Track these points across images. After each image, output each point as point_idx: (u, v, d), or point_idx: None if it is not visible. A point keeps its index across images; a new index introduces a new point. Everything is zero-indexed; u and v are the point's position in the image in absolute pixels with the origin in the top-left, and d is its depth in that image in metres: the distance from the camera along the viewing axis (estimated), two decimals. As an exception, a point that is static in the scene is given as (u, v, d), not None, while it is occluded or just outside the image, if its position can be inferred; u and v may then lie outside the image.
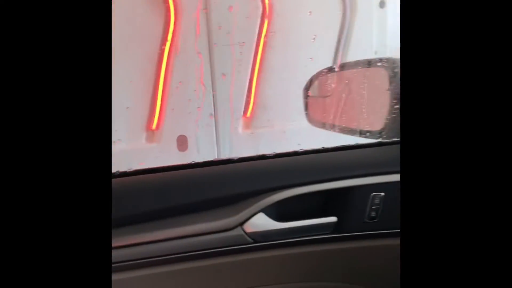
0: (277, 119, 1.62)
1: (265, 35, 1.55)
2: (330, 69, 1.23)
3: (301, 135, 1.56)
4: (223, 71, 1.57)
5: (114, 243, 0.86)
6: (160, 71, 1.52)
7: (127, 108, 1.55)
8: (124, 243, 0.87)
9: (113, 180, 0.92)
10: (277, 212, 0.93)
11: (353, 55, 1.61)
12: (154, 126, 1.54)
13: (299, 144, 1.53)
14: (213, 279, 0.93)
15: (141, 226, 0.89)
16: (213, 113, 1.58)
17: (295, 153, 1.02)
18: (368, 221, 0.95)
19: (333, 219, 0.95)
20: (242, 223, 0.91)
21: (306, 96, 1.18)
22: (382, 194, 0.94)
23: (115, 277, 0.87)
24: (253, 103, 1.59)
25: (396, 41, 1.61)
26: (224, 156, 1.60)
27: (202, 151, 1.61)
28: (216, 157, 1.56)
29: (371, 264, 0.99)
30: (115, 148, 1.54)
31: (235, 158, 0.99)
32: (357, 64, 1.20)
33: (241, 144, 1.63)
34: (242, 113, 1.62)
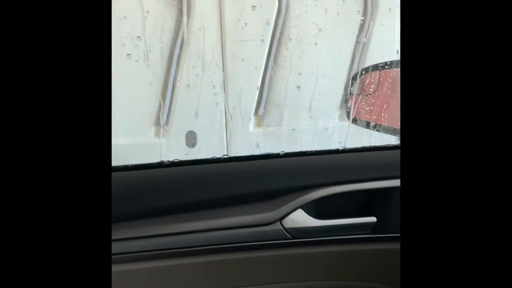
0: (290, 117, 1.59)
1: (281, 32, 1.51)
2: (374, 67, 1.21)
3: (314, 134, 1.54)
4: (236, 67, 1.55)
5: (155, 232, 0.90)
6: (171, 65, 1.52)
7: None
8: (166, 231, 0.91)
9: (154, 171, 0.96)
10: (316, 209, 0.94)
11: (373, 54, 1.56)
12: (163, 121, 1.55)
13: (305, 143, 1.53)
14: (249, 272, 0.95)
15: (182, 216, 0.92)
16: (223, 109, 1.56)
17: (336, 151, 1.02)
18: None
19: (372, 219, 0.94)
20: (281, 219, 0.92)
21: (349, 94, 1.17)
22: None
23: (159, 264, 0.91)
24: (266, 101, 1.57)
25: None
26: (234, 153, 1.59)
27: (211, 148, 1.59)
28: (226, 154, 1.55)
29: None
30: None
31: (281, 153, 1.00)
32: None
33: (252, 142, 1.61)
34: (253, 110, 1.60)
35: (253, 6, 1.45)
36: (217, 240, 0.91)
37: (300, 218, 0.92)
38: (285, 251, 0.94)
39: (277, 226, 0.92)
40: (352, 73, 1.47)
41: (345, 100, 1.50)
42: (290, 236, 0.92)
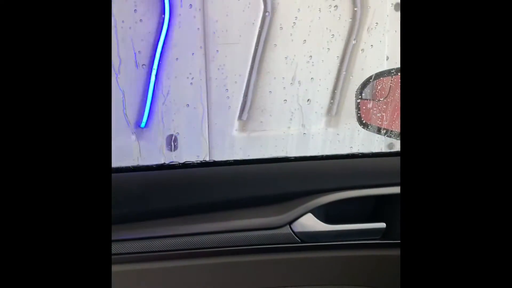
0: (275, 123, 1.56)
1: (266, 35, 1.48)
2: (386, 72, 1.21)
3: (301, 140, 1.52)
4: (219, 70, 1.52)
5: (165, 233, 0.91)
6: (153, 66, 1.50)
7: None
8: (175, 232, 0.91)
9: (165, 172, 0.97)
10: (326, 214, 0.94)
11: (361, 59, 1.54)
12: (143, 124, 1.52)
13: (283, 151, 1.51)
14: (257, 275, 0.95)
15: (192, 217, 0.93)
16: (206, 113, 1.54)
17: (347, 156, 1.02)
18: None
19: (382, 225, 0.94)
20: (290, 222, 0.92)
21: (360, 99, 1.17)
22: None
23: (168, 264, 0.92)
24: (250, 106, 1.54)
25: None
26: (217, 158, 1.57)
27: (193, 151, 1.57)
28: (208, 158, 1.53)
29: None
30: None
31: (292, 157, 1.00)
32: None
33: (235, 146, 1.58)
34: (237, 115, 1.57)
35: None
36: (226, 242, 0.92)
37: (310, 222, 0.92)
38: (294, 255, 0.94)
39: (286, 229, 0.92)
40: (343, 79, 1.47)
41: (330, 107, 1.49)
42: (299, 240, 0.92)
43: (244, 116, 1.53)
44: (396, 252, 0.96)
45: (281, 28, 1.45)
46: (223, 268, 0.93)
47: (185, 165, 0.98)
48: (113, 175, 0.90)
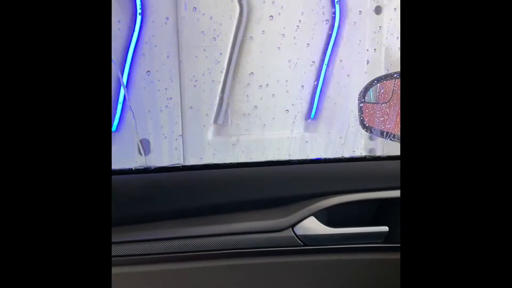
0: (252, 127, 1.53)
1: (242, 39, 1.46)
2: (389, 76, 1.21)
3: (277, 144, 1.50)
4: (194, 74, 1.49)
5: (167, 235, 0.91)
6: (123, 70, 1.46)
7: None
8: (177, 235, 0.91)
9: (167, 174, 0.97)
10: (328, 217, 0.94)
11: (339, 63, 1.52)
12: (114, 128, 1.49)
13: (263, 155, 1.49)
14: (259, 278, 0.95)
15: (194, 220, 0.93)
16: (180, 117, 1.51)
17: (350, 159, 1.02)
18: None
19: (385, 228, 0.94)
20: (293, 225, 0.92)
21: (362, 103, 1.17)
22: None
23: (170, 266, 0.92)
24: (226, 110, 1.51)
25: (393, 51, 1.52)
26: (191, 162, 1.54)
27: (166, 156, 1.54)
28: (182, 163, 1.51)
29: None
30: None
31: (294, 160, 1.00)
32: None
33: (210, 150, 1.56)
34: (213, 119, 1.54)
35: (211, 17, 1.42)
36: (228, 245, 0.92)
37: (312, 226, 0.92)
38: (296, 258, 0.94)
39: (288, 232, 0.92)
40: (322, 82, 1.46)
41: (309, 112, 1.48)
42: (302, 243, 0.92)
43: (220, 120, 1.51)
44: (399, 255, 0.96)
45: (263, 32, 1.44)
46: (225, 270, 0.94)
47: (188, 168, 0.98)
48: (116, 177, 0.91)
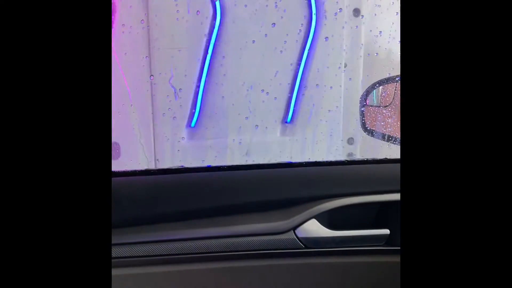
0: (226, 130, 1.50)
1: (216, 41, 1.42)
2: (390, 79, 1.21)
3: (253, 148, 1.47)
4: (164, 75, 1.46)
5: (169, 237, 0.91)
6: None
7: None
8: (179, 237, 0.92)
9: (170, 176, 0.97)
10: (330, 219, 0.94)
11: (317, 67, 1.49)
12: None
13: (238, 159, 1.45)
14: (260, 280, 0.95)
15: (195, 222, 0.93)
16: (151, 120, 1.47)
17: (351, 162, 1.03)
18: None
19: (386, 231, 0.94)
20: (294, 228, 0.92)
21: (364, 106, 1.17)
22: None
23: (171, 268, 0.92)
24: (199, 113, 1.47)
25: (371, 53, 1.50)
26: (163, 166, 1.49)
27: (137, 159, 1.50)
28: (154, 167, 1.46)
29: None
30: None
31: (295, 163, 1.00)
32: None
33: (183, 154, 1.52)
34: (185, 122, 1.51)
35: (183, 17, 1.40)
36: (230, 247, 0.92)
37: (314, 228, 0.92)
38: (297, 260, 0.94)
39: (290, 235, 0.92)
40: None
41: (284, 115, 1.45)
42: (303, 246, 0.92)
43: (193, 123, 1.48)
44: (399, 258, 0.96)
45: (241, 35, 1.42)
46: (226, 273, 0.94)
47: (189, 170, 0.98)
48: (117, 179, 0.91)
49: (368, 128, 1.15)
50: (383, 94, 1.21)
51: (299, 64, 1.45)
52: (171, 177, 0.97)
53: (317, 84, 1.47)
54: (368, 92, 1.18)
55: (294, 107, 1.47)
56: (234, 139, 1.45)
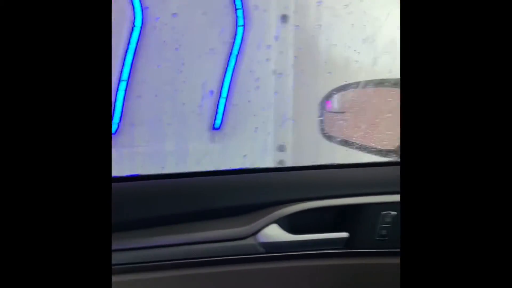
0: (149, 138, 1.43)
1: (136, 42, 1.36)
2: (350, 85, 1.25)
3: (173, 156, 1.41)
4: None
5: (127, 245, 0.89)
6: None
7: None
8: (141, 245, 0.90)
9: (128, 184, 0.95)
10: (291, 224, 0.95)
11: (245, 71, 1.45)
12: None
13: (162, 167, 1.34)
14: (221, 286, 0.94)
15: (156, 229, 0.92)
16: None
17: (312, 167, 1.04)
18: (378, 239, 0.96)
19: (344, 234, 0.96)
20: (255, 233, 0.93)
21: (323, 111, 1.20)
22: (394, 213, 0.95)
23: (128, 277, 0.90)
24: (120, 119, 1.39)
25: (300, 60, 1.49)
26: None
27: None
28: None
29: (378, 281, 1.00)
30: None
31: (257, 168, 1.01)
32: (380, 83, 1.21)
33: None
34: None
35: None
36: (190, 254, 0.91)
37: (274, 233, 0.93)
38: (258, 266, 0.94)
39: (251, 240, 0.92)
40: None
41: (214, 121, 1.42)
42: (264, 250, 0.93)
43: (113, 130, 1.39)
44: (359, 260, 0.98)
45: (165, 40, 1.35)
46: (186, 280, 0.92)
47: (146, 177, 0.97)
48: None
49: (327, 134, 1.17)
50: (341, 100, 1.24)
51: (226, 70, 1.40)
52: (126, 185, 0.94)
53: (248, 90, 1.42)
54: (326, 99, 1.21)
55: (222, 113, 1.41)
56: (160, 146, 1.38)
